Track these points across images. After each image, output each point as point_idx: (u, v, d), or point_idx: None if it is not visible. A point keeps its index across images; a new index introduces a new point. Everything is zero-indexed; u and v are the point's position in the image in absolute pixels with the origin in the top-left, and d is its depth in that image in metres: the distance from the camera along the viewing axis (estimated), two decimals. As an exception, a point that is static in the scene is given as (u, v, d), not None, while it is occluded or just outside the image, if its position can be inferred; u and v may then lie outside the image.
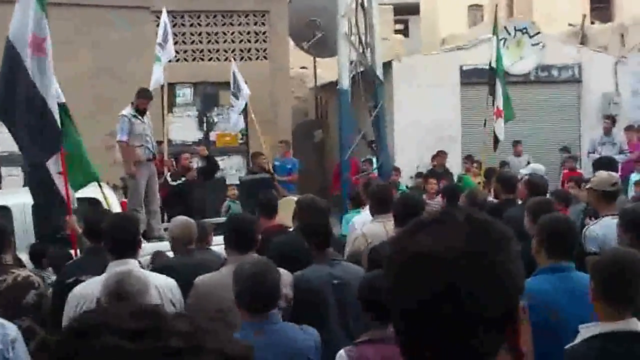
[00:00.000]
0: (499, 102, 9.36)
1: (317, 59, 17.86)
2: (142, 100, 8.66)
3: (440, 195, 9.33)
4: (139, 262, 4.24)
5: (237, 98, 11.48)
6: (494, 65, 9.63)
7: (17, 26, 5.74)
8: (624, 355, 2.67)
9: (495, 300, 1.04)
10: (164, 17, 10.06)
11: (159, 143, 9.72)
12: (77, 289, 3.95)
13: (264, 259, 3.47)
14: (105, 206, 6.91)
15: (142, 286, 3.40)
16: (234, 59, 12.49)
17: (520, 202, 6.16)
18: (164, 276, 4.21)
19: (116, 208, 7.41)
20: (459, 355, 1.04)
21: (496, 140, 9.55)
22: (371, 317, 3.20)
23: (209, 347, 0.86)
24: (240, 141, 14.02)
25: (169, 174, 10.04)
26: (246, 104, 11.55)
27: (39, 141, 5.84)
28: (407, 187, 11.42)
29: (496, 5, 12.42)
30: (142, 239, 4.61)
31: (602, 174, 5.21)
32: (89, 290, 3.85)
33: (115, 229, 4.10)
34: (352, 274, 4.23)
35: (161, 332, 0.85)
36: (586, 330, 2.74)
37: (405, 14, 25.52)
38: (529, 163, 11.58)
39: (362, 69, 12.14)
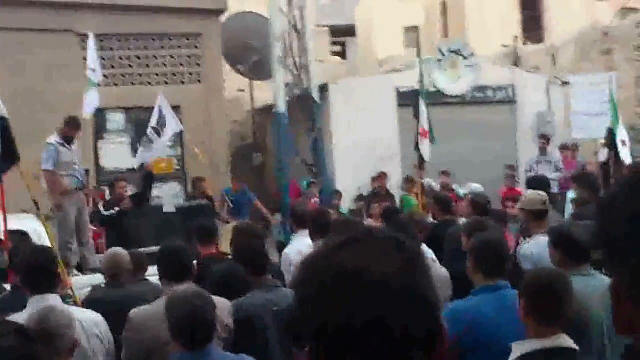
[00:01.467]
0: (424, 123, 9.64)
1: (254, 81, 17.91)
2: (72, 129, 8.52)
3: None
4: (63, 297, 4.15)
5: (158, 134, 10.86)
6: (418, 87, 9.96)
7: None
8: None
9: (422, 322, 1.05)
10: (91, 41, 9.89)
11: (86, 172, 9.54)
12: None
13: (197, 291, 3.44)
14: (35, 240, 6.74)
15: (66, 321, 3.34)
16: (166, 82, 12.41)
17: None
18: (89, 311, 4.14)
19: (46, 241, 7.22)
20: None
21: (422, 161, 9.81)
22: (302, 348, 3.23)
23: None
24: (177, 167, 13.89)
25: (101, 203, 9.85)
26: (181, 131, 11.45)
27: None
28: (350, 210, 11.52)
29: (418, 29, 12.75)
30: (61, 273, 4.49)
31: (532, 194, 5.42)
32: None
33: (29, 264, 4.00)
34: (291, 300, 4.24)
35: None
36: (518, 348, 2.83)
37: (341, 36, 25.90)
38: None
39: (298, 92, 12.25)
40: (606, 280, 3.88)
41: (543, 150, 12.67)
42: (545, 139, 13.00)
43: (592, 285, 3.67)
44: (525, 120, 15.38)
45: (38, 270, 3.95)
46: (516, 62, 18.88)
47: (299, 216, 8.59)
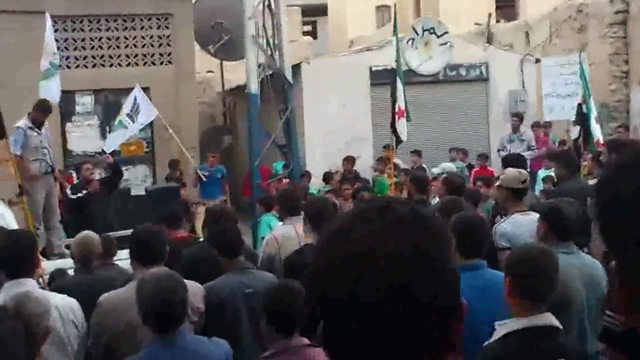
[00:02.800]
0: (401, 102, 9.57)
1: (224, 62, 17.76)
2: (41, 113, 8.38)
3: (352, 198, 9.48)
4: (38, 282, 4.10)
5: (132, 120, 11.15)
6: (394, 66, 9.88)
7: None
8: (543, 350, 2.74)
9: (443, 299, 1.05)
10: (48, 22, 9.50)
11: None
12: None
13: (168, 273, 3.40)
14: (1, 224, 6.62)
15: (43, 308, 3.28)
16: (136, 64, 12.23)
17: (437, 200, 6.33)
18: (64, 296, 4.08)
19: (13, 226, 7.11)
20: (402, 355, 1.04)
21: (398, 141, 9.76)
22: (275, 329, 3.22)
23: None
24: (146, 150, 13.75)
25: (68, 187, 9.72)
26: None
27: None
28: (318, 191, 11.49)
29: (395, 5, 12.67)
30: (40, 258, 4.44)
31: (511, 171, 5.38)
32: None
33: (6, 248, 3.94)
34: (265, 282, 4.23)
35: None
36: (502, 327, 2.81)
37: (313, 16, 25.77)
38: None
39: (270, 72, 12.15)
40: (587, 259, 3.92)
41: (516, 129, 12.73)
42: (517, 117, 13.06)
43: (574, 264, 3.69)
44: (498, 99, 15.46)
45: (14, 254, 3.89)
46: (489, 39, 18.94)
47: (262, 201, 8.59)
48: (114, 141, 11.30)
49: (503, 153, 11.55)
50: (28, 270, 3.92)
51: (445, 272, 1.07)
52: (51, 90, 8.85)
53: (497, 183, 5.53)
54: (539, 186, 10.75)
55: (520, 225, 4.81)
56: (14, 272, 3.86)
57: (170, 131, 11.25)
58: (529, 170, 11.16)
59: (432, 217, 1.12)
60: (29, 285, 3.80)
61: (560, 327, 2.84)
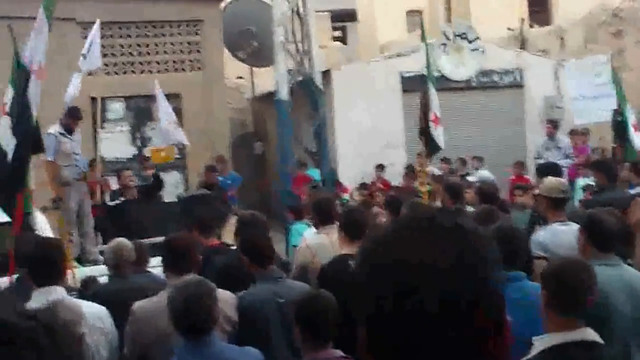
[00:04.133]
0: (436, 109, 9.44)
1: (255, 68, 17.85)
2: (72, 120, 8.51)
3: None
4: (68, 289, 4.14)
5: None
6: (425, 72, 9.77)
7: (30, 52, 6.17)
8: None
9: (490, 310, 1.07)
10: (96, 27, 9.69)
11: (92, 162, 9.49)
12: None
13: (198, 280, 3.43)
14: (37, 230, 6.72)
15: (74, 316, 3.32)
16: (166, 70, 12.36)
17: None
18: (93, 304, 4.11)
19: (48, 232, 7.21)
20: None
21: (434, 149, 9.61)
22: (310, 338, 3.22)
23: None
24: (177, 156, 13.85)
25: (107, 193, 9.79)
26: (182, 118, 11.41)
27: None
28: (347, 200, 11.46)
29: (420, 13, 12.62)
30: (74, 265, 4.49)
31: (551, 180, 5.28)
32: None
33: (35, 256, 3.98)
34: (296, 291, 4.22)
35: None
36: (540, 342, 2.77)
37: (342, 21, 25.76)
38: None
39: (300, 78, 12.18)
40: (631, 271, 3.83)
41: (551, 136, 12.56)
42: (552, 124, 12.88)
43: (616, 276, 3.61)
44: (533, 105, 15.30)
45: (43, 262, 3.92)
46: (523, 45, 18.77)
47: (294, 209, 8.58)
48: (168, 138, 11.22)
49: (539, 161, 11.41)
50: (57, 278, 3.92)
51: (488, 285, 1.08)
52: (71, 89, 9.01)
53: (536, 192, 5.44)
54: (578, 195, 10.58)
55: (559, 236, 4.74)
56: (43, 279, 3.87)
57: (186, 143, 11.22)
58: (566, 178, 11.04)
59: (476, 228, 1.13)
60: (58, 292, 3.82)
61: (602, 342, 2.78)
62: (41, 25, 6.13)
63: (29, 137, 6.05)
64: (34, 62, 6.12)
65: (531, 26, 21.39)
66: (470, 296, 1.05)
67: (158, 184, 10.34)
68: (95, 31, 9.44)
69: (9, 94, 6.28)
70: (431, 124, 9.25)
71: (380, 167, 13.45)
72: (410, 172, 12.35)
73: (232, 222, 7.37)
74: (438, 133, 9.40)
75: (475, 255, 1.08)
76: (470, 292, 1.05)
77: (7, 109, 6.19)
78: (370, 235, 1.17)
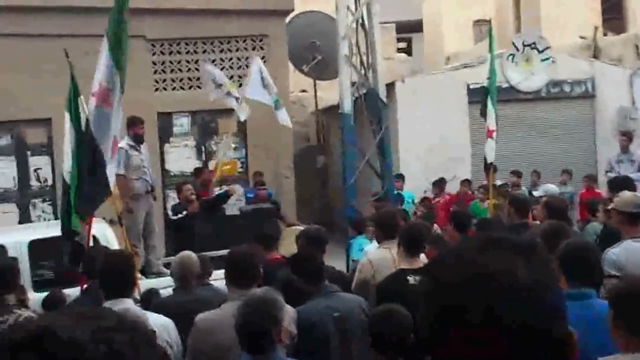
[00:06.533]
0: (491, 121, 9.37)
1: (318, 81, 17.99)
2: (138, 126, 8.78)
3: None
4: (135, 301, 4.25)
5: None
6: (486, 84, 9.70)
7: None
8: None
9: (556, 328, 1.10)
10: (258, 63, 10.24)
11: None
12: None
13: (262, 296, 3.50)
14: (104, 243, 6.94)
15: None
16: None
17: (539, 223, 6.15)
18: (159, 315, 4.22)
19: (114, 245, 7.43)
20: None
21: (486, 162, 9.52)
22: (380, 352, 3.23)
23: None
24: (240, 170, 14.06)
25: (170, 207, 10.02)
26: (245, 131, 11.59)
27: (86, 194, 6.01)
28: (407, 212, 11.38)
29: (489, 22, 12.46)
30: (138, 277, 4.62)
31: (627, 194, 5.16)
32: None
33: (109, 269, 4.10)
34: (351, 305, 4.28)
35: None
36: (608, 363, 2.71)
37: (408, 32, 25.71)
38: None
39: (364, 91, 12.21)
40: None
41: (624, 148, 12.21)
42: (626, 135, 12.52)
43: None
44: (606, 116, 14.91)
45: (113, 274, 4.04)
46: (596, 54, 18.32)
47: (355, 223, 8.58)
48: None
49: (611, 174, 11.11)
50: (127, 290, 4.06)
51: (543, 301, 1.10)
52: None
53: (611, 206, 5.31)
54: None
55: (634, 253, 4.61)
56: (113, 291, 4.00)
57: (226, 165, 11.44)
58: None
59: (535, 246, 1.16)
60: (128, 304, 3.94)
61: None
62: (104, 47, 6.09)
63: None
64: (94, 81, 6.07)
65: (605, 34, 20.87)
66: (519, 311, 1.07)
67: (223, 201, 10.53)
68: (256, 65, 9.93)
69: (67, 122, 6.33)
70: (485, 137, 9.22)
71: (441, 181, 13.32)
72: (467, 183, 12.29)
73: (289, 235, 7.45)
74: (490, 146, 9.33)
75: (546, 277, 1.12)
76: (521, 307, 1.08)
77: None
78: (440, 255, 1.21)
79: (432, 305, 1.13)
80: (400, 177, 13.12)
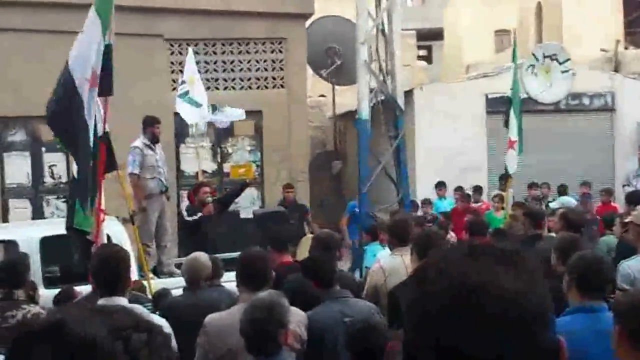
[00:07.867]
0: (513, 132, 9.37)
1: (336, 86, 18.02)
2: (155, 125, 8.83)
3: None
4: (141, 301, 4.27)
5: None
6: (510, 95, 9.70)
7: (77, 56, 5.68)
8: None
9: (544, 339, 1.09)
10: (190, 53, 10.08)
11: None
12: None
13: (267, 299, 3.51)
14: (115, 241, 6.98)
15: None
16: (249, 87, 12.62)
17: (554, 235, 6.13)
18: (153, 315, 4.24)
19: (127, 244, 7.47)
20: None
21: (506, 173, 9.51)
22: None
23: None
24: (256, 174, 14.09)
25: (184, 207, 10.00)
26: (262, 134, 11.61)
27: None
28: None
29: (511, 33, 12.45)
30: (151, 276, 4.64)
31: (644, 208, 5.15)
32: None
33: (101, 266, 4.09)
34: (362, 310, 4.29)
35: None
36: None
37: (428, 40, 25.71)
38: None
39: (382, 98, 12.21)
40: None
41: (644, 163, 12.16)
42: (646, 150, 12.47)
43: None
44: (625, 130, 14.82)
45: (104, 272, 4.02)
46: (617, 67, 18.22)
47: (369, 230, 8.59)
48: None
49: (628, 188, 11.06)
50: (120, 288, 4.00)
51: (527, 310, 1.08)
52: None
53: (629, 219, 5.29)
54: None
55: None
56: (105, 290, 3.97)
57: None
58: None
59: (520, 254, 1.15)
60: (121, 303, 3.93)
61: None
62: (91, 29, 5.63)
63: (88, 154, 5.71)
64: (88, 70, 5.63)
65: (626, 48, 20.75)
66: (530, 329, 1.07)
67: (238, 193, 10.46)
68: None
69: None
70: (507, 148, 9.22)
71: (460, 190, 13.29)
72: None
73: (306, 240, 7.46)
74: (510, 157, 9.32)
75: (531, 285, 1.10)
76: (528, 320, 1.07)
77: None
78: (427, 261, 1.20)
79: (414, 314, 1.13)
80: (442, 184, 13.21)
